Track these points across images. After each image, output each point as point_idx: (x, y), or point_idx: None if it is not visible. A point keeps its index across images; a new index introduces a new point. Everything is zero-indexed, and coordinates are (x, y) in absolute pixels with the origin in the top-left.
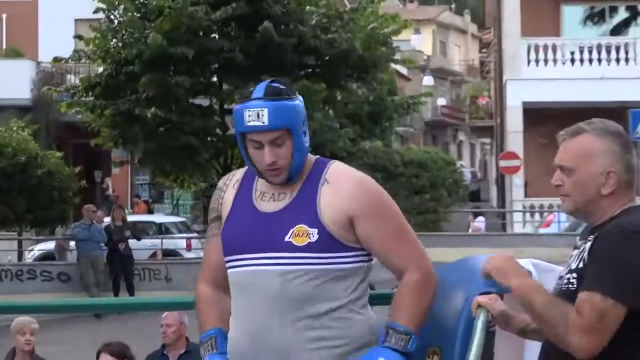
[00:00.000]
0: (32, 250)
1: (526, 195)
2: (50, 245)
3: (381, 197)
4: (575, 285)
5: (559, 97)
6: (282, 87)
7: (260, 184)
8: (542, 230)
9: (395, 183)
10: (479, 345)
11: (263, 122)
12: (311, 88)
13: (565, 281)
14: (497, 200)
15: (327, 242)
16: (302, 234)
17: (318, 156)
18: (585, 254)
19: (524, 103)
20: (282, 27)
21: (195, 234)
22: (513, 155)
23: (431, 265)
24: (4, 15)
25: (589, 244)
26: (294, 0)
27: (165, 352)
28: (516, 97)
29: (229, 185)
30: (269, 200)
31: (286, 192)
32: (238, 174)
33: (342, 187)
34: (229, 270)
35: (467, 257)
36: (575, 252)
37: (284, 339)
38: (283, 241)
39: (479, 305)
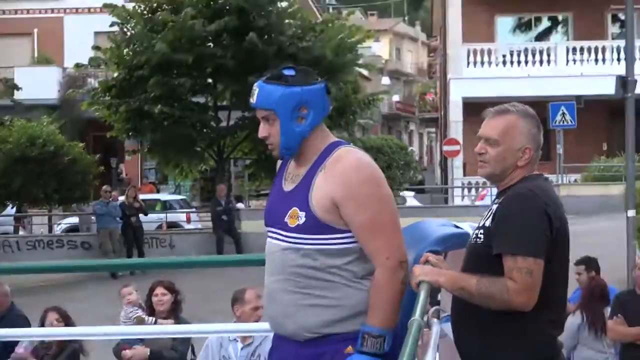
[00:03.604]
0: (60, 224)
1: (465, 175)
2: (74, 220)
3: (366, 186)
4: (481, 240)
5: (493, 93)
6: (288, 73)
7: (291, 164)
8: (478, 203)
9: None
10: (421, 312)
11: (253, 100)
12: None
13: (474, 236)
14: (441, 179)
15: (314, 225)
16: (294, 216)
17: (336, 140)
18: (492, 214)
19: (464, 98)
20: (265, 37)
21: (193, 209)
22: (454, 141)
23: (400, 257)
24: (36, 30)
25: (495, 206)
26: (274, 15)
27: None
28: (458, 93)
29: (278, 167)
30: (290, 181)
31: (300, 174)
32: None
33: (334, 173)
34: None
35: (416, 222)
36: (487, 212)
37: (286, 302)
38: (283, 220)
39: (420, 282)
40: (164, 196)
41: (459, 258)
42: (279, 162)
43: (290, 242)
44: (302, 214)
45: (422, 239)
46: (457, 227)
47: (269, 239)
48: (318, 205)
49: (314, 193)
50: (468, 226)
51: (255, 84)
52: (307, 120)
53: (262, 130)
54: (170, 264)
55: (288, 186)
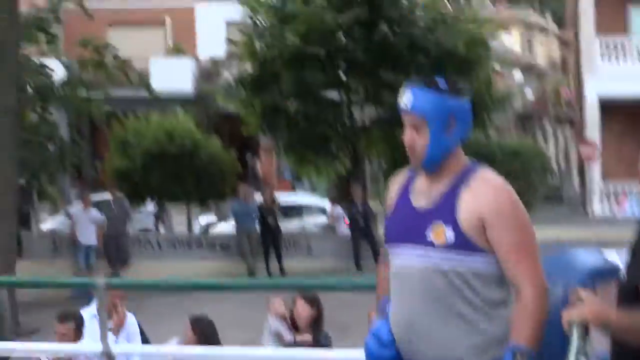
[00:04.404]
0: (197, 219)
1: (604, 178)
2: (212, 218)
3: (512, 208)
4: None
5: (631, 92)
6: (443, 82)
7: (420, 181)
8: (618, 213)
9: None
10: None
11: (404, 105)
12: None
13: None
14: (579, 184)
15: (464, 244)
16: (440, 233)
17: (473, 160)
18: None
19: (600, 97)
20: (397, 29)
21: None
22: (591, 143)
23: (544, 283)
24: (168, 19)
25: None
26: (406, 5)
27: None
28: (593, 92)
29: (395, 182)
30: (422, 196)
31: (437, 190)
32: (405, 172)
33: (480, 191)
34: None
35: (562, 251)
36: None
37: (430, 326)
38: (424, 237)
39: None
40: (300, 198)
41: (607, 293)
42: (396, 179)
43: (437, 261)
44: (451, 233)
45: (570, 271)
46: (605, 259)
47: (399, 257)
48: (466, 223)
49: (461, 210)
50: (616, 255)
51: (407, 88)
52: (455, 134)
53: (409, 138)
54: (289, 285)
55: (419, 202)
